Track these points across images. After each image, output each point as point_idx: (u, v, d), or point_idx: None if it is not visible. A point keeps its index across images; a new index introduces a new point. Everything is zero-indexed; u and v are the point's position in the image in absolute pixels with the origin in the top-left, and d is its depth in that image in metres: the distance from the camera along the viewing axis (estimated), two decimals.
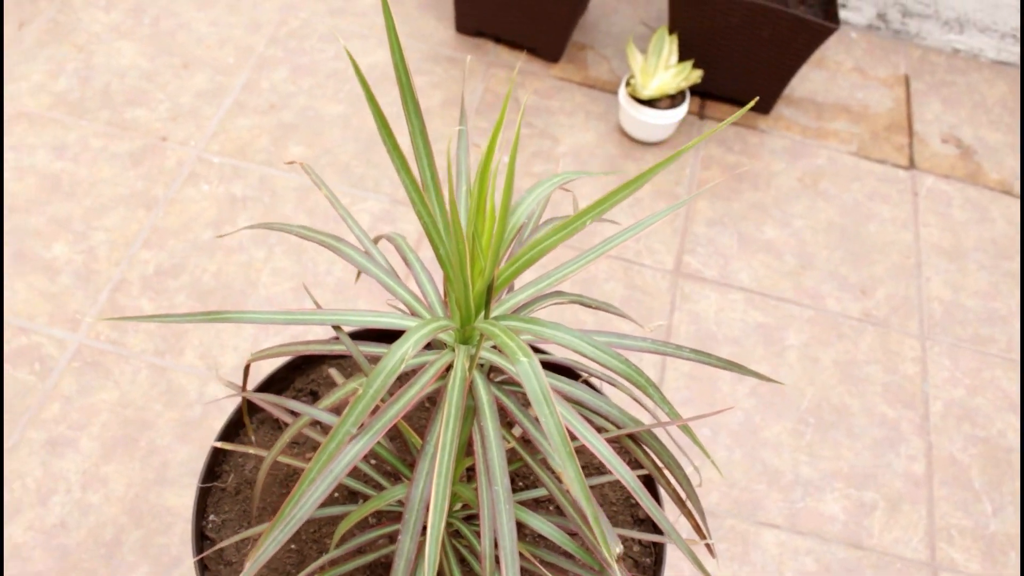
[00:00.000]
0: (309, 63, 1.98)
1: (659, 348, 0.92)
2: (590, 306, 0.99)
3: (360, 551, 0.99)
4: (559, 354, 1.40)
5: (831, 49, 2.19)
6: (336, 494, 1.06)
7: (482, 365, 0.89)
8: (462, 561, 0.98)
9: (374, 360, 0.95)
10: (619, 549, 0.82)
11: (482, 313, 0.86)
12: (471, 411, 0.88)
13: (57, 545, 1.37)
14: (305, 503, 0.79)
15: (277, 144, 1.84)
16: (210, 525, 1.07)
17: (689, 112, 2.00)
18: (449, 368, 0.86)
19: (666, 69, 1.88)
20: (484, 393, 0.85)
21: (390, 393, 0.98)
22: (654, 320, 1.69)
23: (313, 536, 1.06)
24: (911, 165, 1.99)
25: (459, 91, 1.97)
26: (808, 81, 2.11)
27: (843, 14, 2.22)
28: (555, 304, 0.97)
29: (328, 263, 1.69)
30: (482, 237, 0.80)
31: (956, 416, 1.64)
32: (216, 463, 1.09)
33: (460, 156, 0.94)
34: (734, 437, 1.57)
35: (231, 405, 1.46)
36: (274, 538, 0.78)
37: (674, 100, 1.89)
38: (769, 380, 0.97)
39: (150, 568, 1.36)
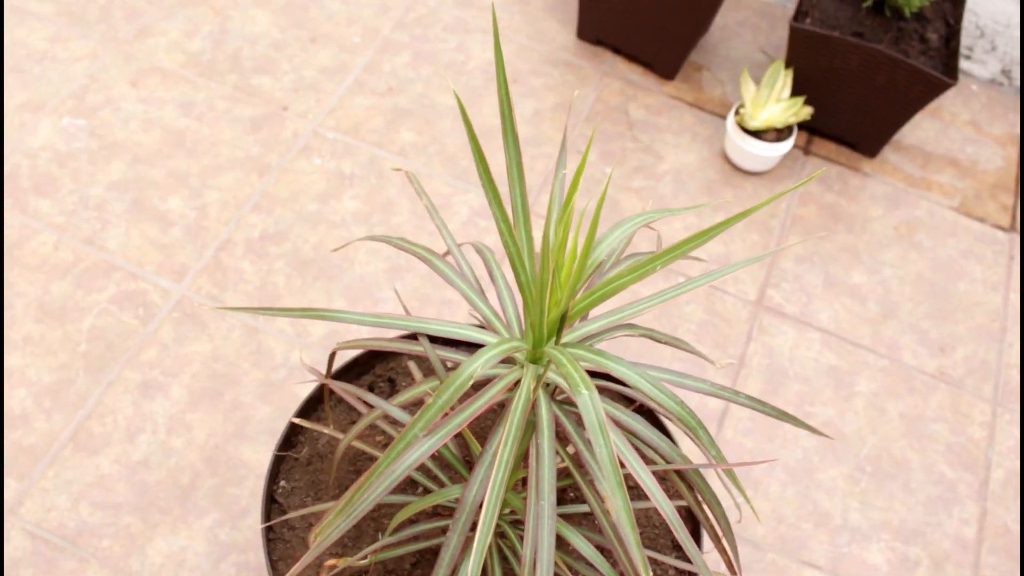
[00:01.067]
0: (430, 51, 2.05)
1: (716, 391, 0.96)
2: (660, 341, 1.04)
3: (413, 538, 1.06)
4: None
5: (948, 99, 2.17)
6: (402, 484, 1.13)
7: (547, 384, 0.95)
8: (504, 559, 1.04)
9: (449, 364, 1.01)
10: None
11: (554, 338, 0.92)
12: (531, 426, 0.93)
13: (139, 481, 1.47)
14: (370, 495, 0.86)
15: (390, 127, 1.91)
16: (280, 490, 1.15)
17: (795, 146, 2.01)
18: (517, 383, 0.92)
19: (777, 102, 1.89)
20: (545, 413, 0.91)
21: (460, 400, 1.04)
22: (729, 349, 1.72)
23: (371, 514, 1.13)
24: (1012, 228, 1.98)
25: (572, 96, 2.01)
26: (919, 129, 2.11)
27: (966, 65, 2.20)
28: (626, 336, 1.02)
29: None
30: (561, 272, 0.85)
31: (1016, 487, 1.64)
32: (292, 433, 1.17)
33: (554, 193, 0.99)
34: (790, 474, 1.60)
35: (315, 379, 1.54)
36: (338, 525, 0.85)
37: (781, 133, 1.91)
38: (821, 434, 1.00)
39: (220, 515, 1.45)
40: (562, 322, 0.90)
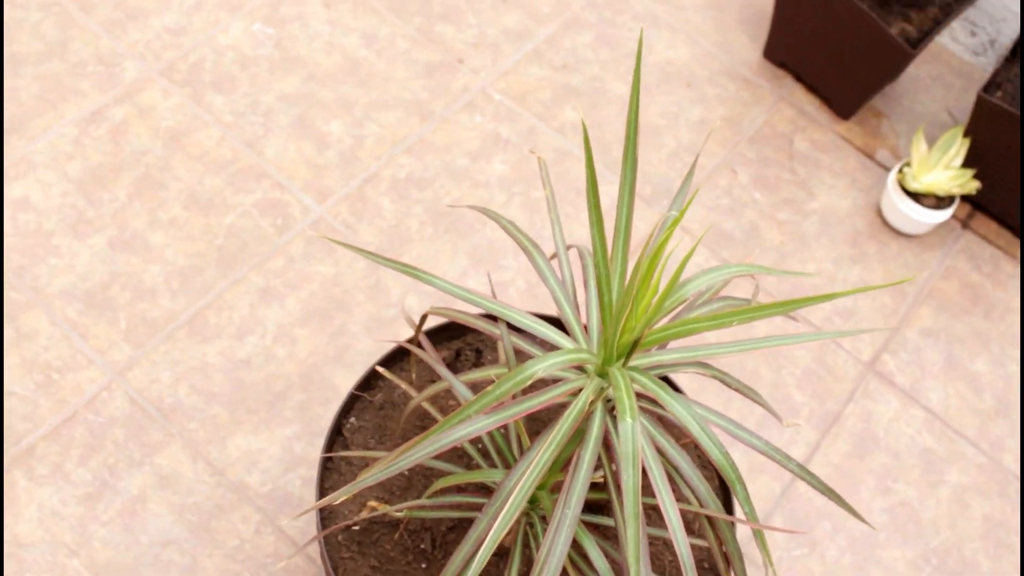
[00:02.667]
0: (614, 36, 2.06)
1: (768, 451, 0.97)
2: (730, 386, 1.05)
3: (451, 506, 1.11)
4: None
5: None
6: (456, 453, 1.18)
7: (608, 400, 0.97)
8: (526, 546, 1.08)
9: (519, 352, 1.05)
10: None
11: (623, 359, 0.94)
12: (580, 435, 0.96)
13: (237, 377, 1.57)
14: (414, 455, 0.91)
15: (556, 102, 1.95)
16: (348, 425, 1.21)
17: (953, 216, 1.95)
18: (580, 391, 0.95)
19: (945, 169, 1.84)
20: (596, 426, 0.94)
21: (524, 391, 1.07)
22: (826, 404, 1.70)
23: (425, 473, 1.18)
24: None
25: (742, 113, 2.00)
26: None
27: None
28: (697, 373, 1.04)
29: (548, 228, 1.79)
30: (640, 303, 0.87)
31: None
32: (373, 376, 1.23)
33: (667, 217, 1.01)
34: (851, 542, 1.59)
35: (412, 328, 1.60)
36: (381, 472, 0.90)
37: (941, 201, 1.86)
38: (860, 519, 1.00)
39: (300, 429, 1.54)
40: (634, 347, 0.92)
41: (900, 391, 1.74)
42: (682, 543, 0.89)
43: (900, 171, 1.87)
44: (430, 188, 1.80)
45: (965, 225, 1.96)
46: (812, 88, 2.06)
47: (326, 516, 1.15)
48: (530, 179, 1.84)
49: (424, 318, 1.09)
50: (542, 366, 0.90)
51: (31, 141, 1.73)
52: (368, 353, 1.62)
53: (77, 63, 1.82)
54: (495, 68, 1.97)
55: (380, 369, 1.14)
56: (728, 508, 1.17)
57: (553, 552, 0.88)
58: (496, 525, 0.84)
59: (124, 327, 1.58)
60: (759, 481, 1.61)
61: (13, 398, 1.50)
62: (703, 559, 1.17)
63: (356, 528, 1.14)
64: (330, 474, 1.17)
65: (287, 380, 1.58)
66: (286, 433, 1.53)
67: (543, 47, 2.02)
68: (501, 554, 1.13)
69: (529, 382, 0.90)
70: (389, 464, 0.90)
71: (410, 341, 1.13)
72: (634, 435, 0.82)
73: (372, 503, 1.06)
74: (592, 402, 0.94)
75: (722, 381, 1.04)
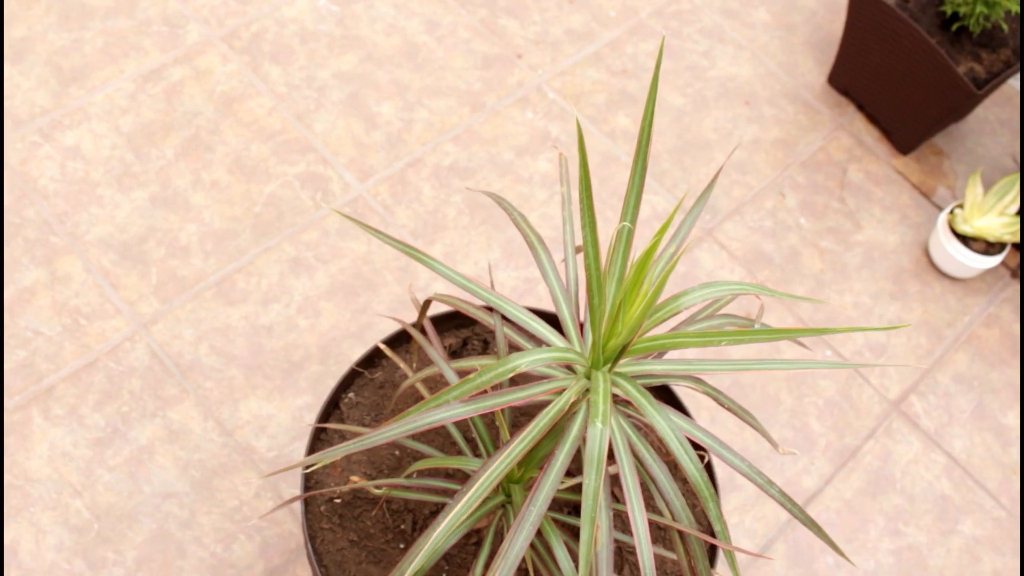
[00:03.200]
0: (678, 48, 2.04)
1: (750, 473, 0.96)
2: (724, 405, 1.04)
3: (432, 490, 1.11)
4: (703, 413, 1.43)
5: None
6: (448, 440, 1.18)
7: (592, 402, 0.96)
8: (499, 535, 1.08)
9: (514, 346, 1.05)
10: None
11: (611, 364, 0.94)
12: (559, 433, 0.96)
13: (257, 343, 1.59)
14: (389, 432, 0.91)
15: (609, 107, 1.94)
16: (346, 400, 1.22)
17: (1003, 264, 1.90)
18: (563, 391, 0.95)
19: (999, 215, 1.80)
20: (575, 429, 0.93)
21: (513, 381, 1.07)
22: (845, 438, 1.67)
23: (414, 455, 1.19)
24: None
25: (798, 137, 1.97)
26: None
27: None
28: (689, 388, 1.02)
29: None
30: (628, 309, 0.86)
31: None
32: (376, 355, 1.24)
33: (681, 232, 1.00)
34: None
35: (435, 307, 1.61)
36: (356, 443, 0.91)
37: (991, 247, 1.81)
38: (844, 557, 0.98)
39: (311, 400, 1.55)
40: (621, 352, 0.92)
41: (924, 434, 1.70)
42: (645, 552, 0.88)
43: (952, 212, 1.83)
44: (472, 179, 1.80)
45: (1015, 274, 1.91)
46: (873, 119, 2.02)
47: (312, 485, 1.16)
48: (573, 180, 1.83)
49: (428, 303, 1.10)
50: (525, 360, 0.90)
51: (89, 92, 1.77)
52: (387, 333, 1.62)
53: (143, 21, 1.86)
54: (553, 67, 1.97)
55: (383, 347, 1.15)
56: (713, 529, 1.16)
57: (513, 545, 0.87)
58: (457, 509, 0.84)
59: (155, 281, 1.61)
60: (765, 507, 1.58)
61: (40, 338, 1.54)
62: (678, 573, 1.16)
63: (339, 501, 1.15)
64: (322, 445, 1.18)
65: (306, 351, 1.59)
66: (298, 403, 1.55)
67: (604, 51, 2.01)
68: (480, 543, 1.13)
69: (511, 375, 0.89)
70: (365, 438, 0.91)
71: (416, 324, 1.14)
72: (601, 439, 0.82)
73: (354, 478, 1.06)
74: (575, 403, 0.94)
75: (715, 400, 1.02)
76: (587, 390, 0.95)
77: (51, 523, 1.42)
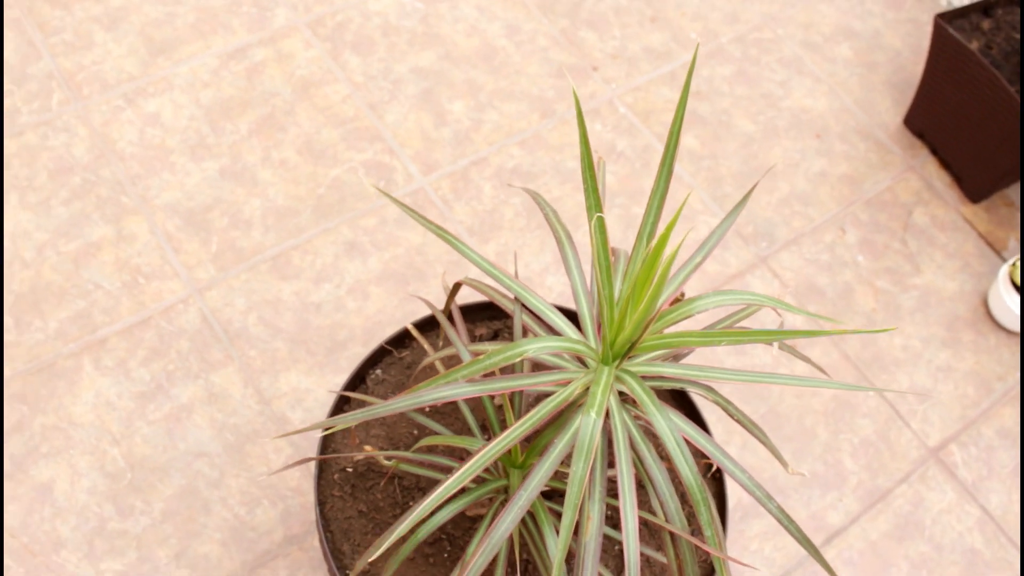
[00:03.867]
0: (755, 75, 2.05)
1: (750, 486, 0.96)
2: (733, 416, 1.04)
3: (439, 467, 1.13)
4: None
5: None
6: (466, 426, 1.21)
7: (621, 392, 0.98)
8: (496, 518, 1.10)
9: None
10: None
11: (620, 360, 0.95)
12: (563, 424, 0.98)
13: (304, 319, 1.63)
14: (396, 404, 0.94)
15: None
16: (373, 375, 1.26)
17: None
18: (569, 382, 0.96)
19: None
20: (578, 422, 0.95)
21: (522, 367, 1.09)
22: (878, 479, 1.65)
23: (431, 435, 1.21)
24: None
25: (866, 174, 1.96)
26: None
27: None
28: (700, 395, 1.03)
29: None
30: (637, 305, 0.88)
31: None
32: (407, 337, 1.27)
33: (708, 244, 1.01)
34: None
35: (470, 297, 1.63)
36: (365, 411, 0.94)
37: None
38: (833, 574, 0.97)
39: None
40: (630, 349, 0.93)
41: (960, 485, 1.67)
42: (631, 546, 0.89)
43: (1014, 264, 1.80)
44: (533, 183, 1.83)
45: None
46: (946, 164, 2.00)
47: (329, 453, 1.19)
48: (634, 194, 1.85)
49: (457, 285, 1.13)
50: (534, 346, 0.92)
51: (175, 65, 1.84)
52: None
53: (234, 1, 1.93)
54: (627, 82, 1.99)
55: (411, 328, 1.18)
56: (722, 508, 1.16)
57: (500, 525, 0.89)
58: (449, 482, 0.86)
59: (214, 250, 1.67)
60: (787, 537, 1.57)
61: (100, 291, 1.61)
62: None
63: (351, 471, 1.18)
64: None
65: (350, 331, 1.63)
66: (336, 380, 1.59)
67: (680, 71, 2.03)
68: (477, 520, 1.15)
69: (518, 358, 0.92)
70: (375, 408, 0.94)
71: (444, 308, 1.17)
72: (593, 429, 0.83)
73: (368, 447, 1.09)
74: (581, 396, 0.96)
75: (725, 410, 1.03)
76: (587, 383, 0.97)
77: (88, 467, 1.47)
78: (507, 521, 0.90)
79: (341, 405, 1.22)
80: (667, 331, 1.04)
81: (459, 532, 1.15)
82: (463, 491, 1.04)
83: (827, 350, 1.75)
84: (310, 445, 1.53)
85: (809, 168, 1.95)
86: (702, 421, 1.23)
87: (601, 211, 0.90)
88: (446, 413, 1.21)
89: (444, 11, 2.00)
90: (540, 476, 0.91)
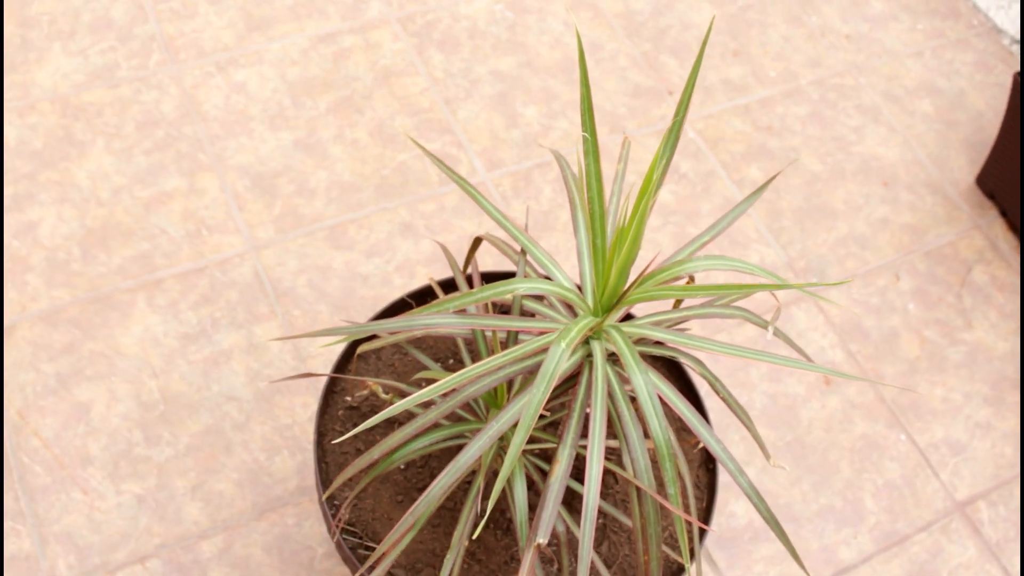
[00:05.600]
0: (829, 118, 2.06)
1: (724, 458, 0.97)
2: (718, 392, 1.05)
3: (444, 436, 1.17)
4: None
5: None
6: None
7: (588, 351, 1.01)
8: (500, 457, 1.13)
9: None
10: (542, 541, 0.92)
11: (607, 313, 0.98)
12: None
13: (350, 288, 1.69)
14: (385, 324, 0.98)
15: (745, 157, 1.97)
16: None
17: None
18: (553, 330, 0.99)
19: None
20: (554, 354, 0.97)
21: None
22: (897, 524, 1.62)
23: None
24: None
25: (929, 227, 1.94)
26: None
27: None
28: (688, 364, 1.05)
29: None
30: (619, 253, 0.91)
31: None
32: (429, 294, 1.32)
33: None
34: None
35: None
36: (367, 326, 0.98)
37: None
38: (800, 564, 0.98)
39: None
40: (618, 301, 0.96)
41: (984, 542, 1.64)
42: (592, 493, 0.91)
43: None
44: None
45: None
46: (1013, 227, 1.97)
47: (337, 391, 1.24)
48: (690, 215, 1.87)
49: (477, 240, 1.17)
50: (524, 286, 0.96)
51: (269, 41, 1.95)
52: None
53: None
54: (700, 109, 2.02)
55: (432, 282, 1.23)
56: (709, 507, 1.17)
57: (467, 451, 0.93)
58: (418, 395, 0.90)
59: (276, 212, 1.75)
60: (793, 566, 1.56)
61: (164, 236, 1.70)
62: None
63: (355, 408, 1.22)
64: (358, 362, 1.27)
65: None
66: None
67: (754, 106, 2.05)
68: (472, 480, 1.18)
69: (507, 295, 0.95)
70: (365, 325, 0.98)
71: (464, 264, 1.21)
72: (559, 359, 0.86)
73: (369, 381, 1.14)
74: (562, 340, 0.98)
75: (712, 386, 1.05)
76: (578, 329, 0.99)
77: (125, 394, 1.55)
78: (474, 448, 0.93)
79: (355, 349, 1.27)
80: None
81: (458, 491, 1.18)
82: (438, 426, 1.08)
83: (862, 390, 1.74)
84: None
85: (871, 213, 1.95)
86: (700, 404, 1.24)
87: (598, 157, 0.93)
88: (453, 368, 1.25)
89: (532, 23, 2.07)
90: (511, 413, 0.94)
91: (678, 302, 1.14)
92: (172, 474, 1.50)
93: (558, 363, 0.86)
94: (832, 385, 1.74)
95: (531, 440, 1.16)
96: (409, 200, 1.80)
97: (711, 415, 1.66)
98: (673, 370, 1.30)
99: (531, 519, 1.12)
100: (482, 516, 1.12)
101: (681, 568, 1.18)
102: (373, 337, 1.14)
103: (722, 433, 1.65)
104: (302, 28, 1.97)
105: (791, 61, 2.13)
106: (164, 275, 1.66)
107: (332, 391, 1.24)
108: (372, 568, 1.01)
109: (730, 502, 1.60)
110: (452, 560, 1.00)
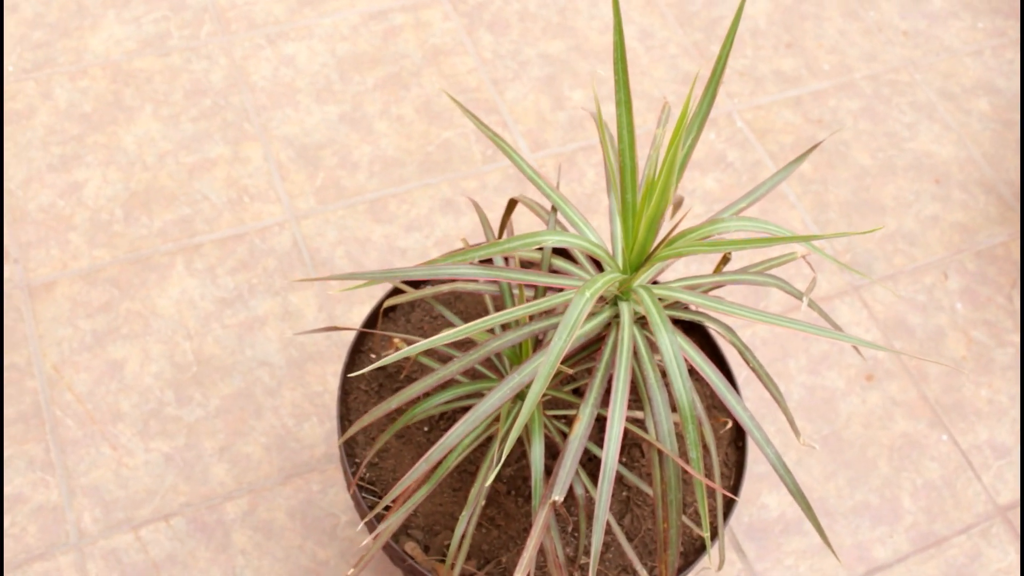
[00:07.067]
0: (882, 113, 2.02)
1: (751, 427, 0.95)
2: (748, 363, 1.03)
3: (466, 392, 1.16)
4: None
5: None
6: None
7: (617, 301, 0.99)
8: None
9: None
10: (558, 498, 0.90)
11: (636, 271, 0.96)
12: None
13: (388, 261, 1.69)
14: (407, 271, 0.97)
15: (794, 148, 1.94)
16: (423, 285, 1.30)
17: None
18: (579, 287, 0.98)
19: None
20: (579, 303, 0.96)
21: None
22: (935, 525, 1.58)
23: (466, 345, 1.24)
24: None
25: (981, 226, 1.90)
26: None
27: None
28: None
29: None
30: (648, 204, 0.89)
31: None
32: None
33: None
34: None
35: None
36: (388, 272, 0.97)
37: None
38: (831, 550, 0.95)
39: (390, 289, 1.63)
40: (646, 260, 0.94)
41: None
42: (611, 452, 0.89)
43: None
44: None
45: None
46: None
47: (365, 350, 1.23)
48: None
49: (512, 202, 1.16)
50: (552, 238, 0.94)
51: (320, 16, 1.95)
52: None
53: None
54: (750, 99, 1.99)
55: (464, 242, 1.21)
56: (736, 485, 1.14)
57: (485, 402, 0.91)
58: (424, 342, 0.89)
59: (318, 184, 1.75)
60: (827, 559, 1.52)
61: (206, 202, 1.71)
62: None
63: (382, 369, 1.21)
64: (386, 322, 1.26)
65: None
66: None
67: (806, 98, 2.02)
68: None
69: (534, 246, 0.94)
70: (387, 271, 0.97)
71: (501, 224, 1.20)
72: (583, 308, 0.85)
73: (396, 340, 1.13)
74: (588, 296, 0.97)
75: (741, 354, 1.02)
76: (598, 284, 0.98)
77: (159, 354, 1.56)
78: (494, 397, 0.92)
79: (386, 311, 1.26)
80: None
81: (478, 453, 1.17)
82: (456, 383, 1.06)
83: (905, 387, 1.70)
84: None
85: (922, 210, 1.91)
86: (731, 375, 1.22)
87: (630, 108, 0.92)
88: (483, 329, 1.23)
89: (582, 7, 2.06)
90: (532, 366, 0.93)
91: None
92: (201, 435, 1.50)
93: (580, 312, 0.84)
94: (873, 381, 1.70)
95: (555, 404, 1.15)
96: (452, 177, 1.80)
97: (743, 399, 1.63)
98: (706, 346, 1.28)
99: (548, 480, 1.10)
100: (498, 463, 1.10)
101: (704, 546, 1.15)
102: (399, 293, 1.13)
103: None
104: (353, 4, 1.98)
105: (846, 55, 2.09)
106: (204, 240, 1.67)
107: (359, 350, 1.24)
108: (383, 523, 1.00)
109: (763, 493, 1.57)
110: (468, 515, 0.99)
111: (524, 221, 1.76)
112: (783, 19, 2.12)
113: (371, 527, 1.13)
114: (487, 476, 1.02)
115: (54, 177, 1.71)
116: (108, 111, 1.79)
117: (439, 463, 1.01)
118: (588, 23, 2.03)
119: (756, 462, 1.59)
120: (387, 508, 1.12)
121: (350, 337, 1.61)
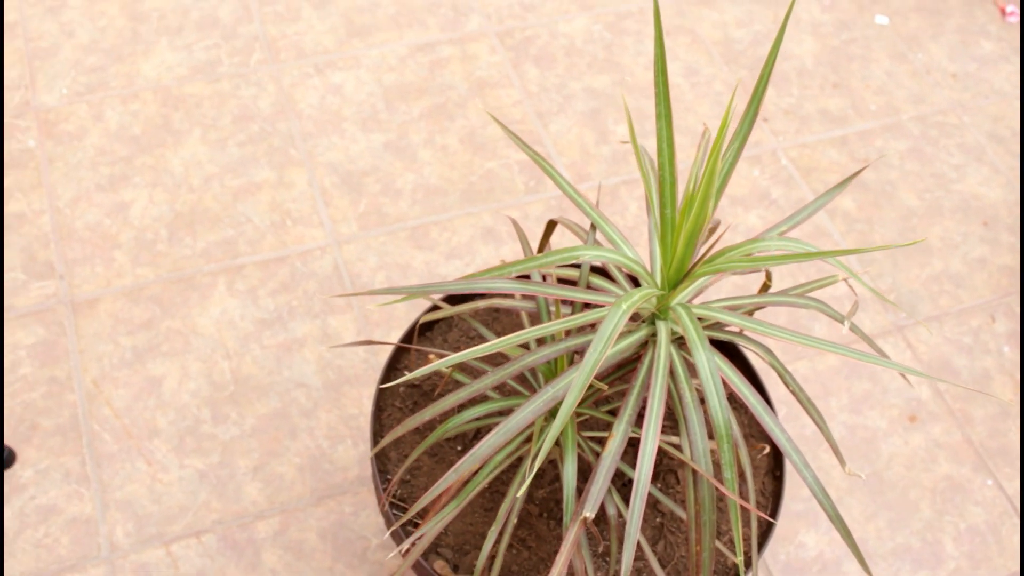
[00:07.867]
0: (930, 154, 2.00)
1: (788, 449, 0.93)
2: (788, 385, 1.01)
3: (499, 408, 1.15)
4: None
5: None
6: None
7: (656, 320, 0.98)
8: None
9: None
10: (589, 514, 0.89)
11: (674, 288, 0.95)
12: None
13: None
14: (445, 286, 0.97)
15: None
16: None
17: None
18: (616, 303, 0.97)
19: None
20: (613, 319, 0.94)
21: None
22: (978, 572, 1.54)
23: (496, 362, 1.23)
24: None
25: None
26: None
27: None
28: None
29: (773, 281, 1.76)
30: (687, 221, 0.88)
31: None
32: None
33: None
34: None
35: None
36: (423, 287, 0.97)
37: None
38: (866, 569, 0.93)
39: (428, 306, 1.63)
40: (684, 278, 0.93)
41: None
42: (644, 471, 0.88)
43: None
44: None
45: None
46: None
47: (400, 368, 1.23)
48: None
49: (551, 224, 1.16)
50: (590, 253, 0.94)
51: (368, 47, 1.98)
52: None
53: (434, 2, 2.06)
54: (795, 137, 1.99)
55: (503, 262, 1.21)
56: (773, 513, 1.12)
57: (517, 414, 0.90)
58: (459, 355, 0.88)
59: (361, 210, 1.77)
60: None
61: (249, 225, 1.72)
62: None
63: (417, 386, 1.21)
64: (421, 340, 1.26)
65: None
66: None
67: (852, 137, 2.01)
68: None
69: (571, 261, 0.94)
70: (422, 286, 0.97)
71: (540, 245, 1.20)
72: (618, 321, 0.84)
73: (431, 356, 1.13)
74: (628, 313, 0.96)
75: (781, 377, 1.01)
76: (632, 301, 0.97)
77: (197, 372, 1.57)
78: (526, 410, 0.91)
79: (423, 330, 1.26)
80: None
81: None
82: (489, 399, 1.05)
83: (949, 429, 1.66)
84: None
85: (969, 252, 1.88)
86: (767, 396, 1.20)
87: (670, 124, 0.91)
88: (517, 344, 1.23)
89: (628, 44, 2.07)
90: (567, 379, 0.92)
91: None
92: (235, 453, 1.50)
93: (617, 324, 0.84)
94: (916, 422, 1.67)
95: (590, 425, 1.14)
96: (494, 207, 1.80)
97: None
98: (743, 371, 1.26)
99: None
100: (530, 475, 1.09)
101: (738, 572, 1.13)
102: (437, 309, 1.13)
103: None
104: (401, 36, 2.00)
105: (893, 96, 2.08)
106: (246, 261, 1.68)
107: (395, 367, 1.23)
108: (411, 536, 0.99)
109: (800, 531, 1.54)
110: (497, 531, 0.97)
111: (564, 244, 1.76)
112: (830, 60, 2.12)
113: (399, 541, 1.12)
114: (518, 488, 1.01)
115: (102, 197, 1.74)
116: (157, 134, 1.82)
117: (470, 478, 1.00)
118: (634, 59, 2.04)
119: (794, 499, 1.56)
120: (416, 524, 1.11)
121: (387, 359, 1.60)
